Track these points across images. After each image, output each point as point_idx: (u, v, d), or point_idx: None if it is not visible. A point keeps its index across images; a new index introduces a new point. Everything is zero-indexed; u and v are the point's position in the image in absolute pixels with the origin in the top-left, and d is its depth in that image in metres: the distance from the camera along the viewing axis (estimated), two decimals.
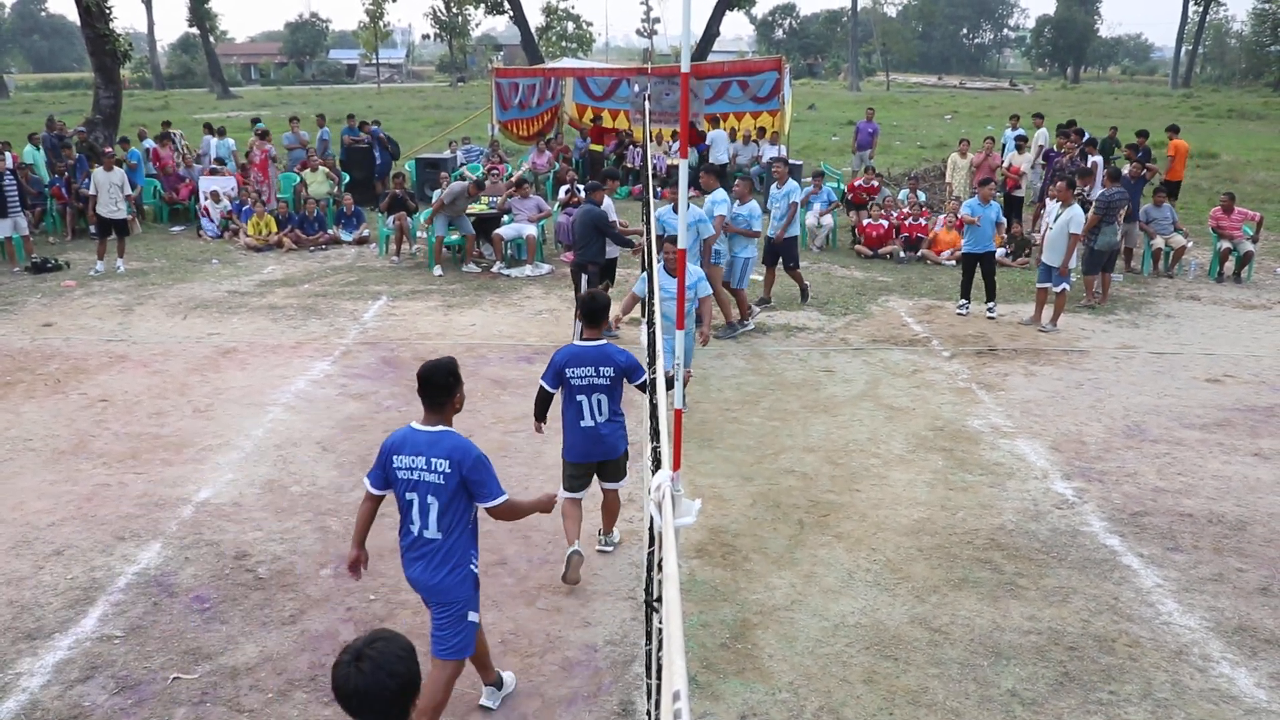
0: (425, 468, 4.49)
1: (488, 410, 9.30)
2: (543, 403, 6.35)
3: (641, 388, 6.10)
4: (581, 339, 6.32)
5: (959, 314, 12.75)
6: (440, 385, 4.55)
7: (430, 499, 4.52)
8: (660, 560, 2.02)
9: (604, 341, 6.23)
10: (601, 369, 6.13)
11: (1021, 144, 18.42)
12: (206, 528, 7.07)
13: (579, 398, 6.19)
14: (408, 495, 4.56)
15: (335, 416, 9.15)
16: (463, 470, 4.47)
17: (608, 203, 11.46)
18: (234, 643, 5.74)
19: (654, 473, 2.64)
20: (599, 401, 6.20)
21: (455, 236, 15.18)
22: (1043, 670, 5.53)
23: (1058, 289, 12.00)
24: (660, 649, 1.92)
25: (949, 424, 9.13)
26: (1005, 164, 18.07)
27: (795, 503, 7.55)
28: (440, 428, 4.55)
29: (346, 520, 7.17)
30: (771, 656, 5.65)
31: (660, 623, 1.72)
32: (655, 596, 1.98)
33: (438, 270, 14.80)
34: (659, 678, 1.83)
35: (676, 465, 2.57)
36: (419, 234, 15.81)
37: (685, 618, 5.84)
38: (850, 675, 5.49)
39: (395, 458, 4.55)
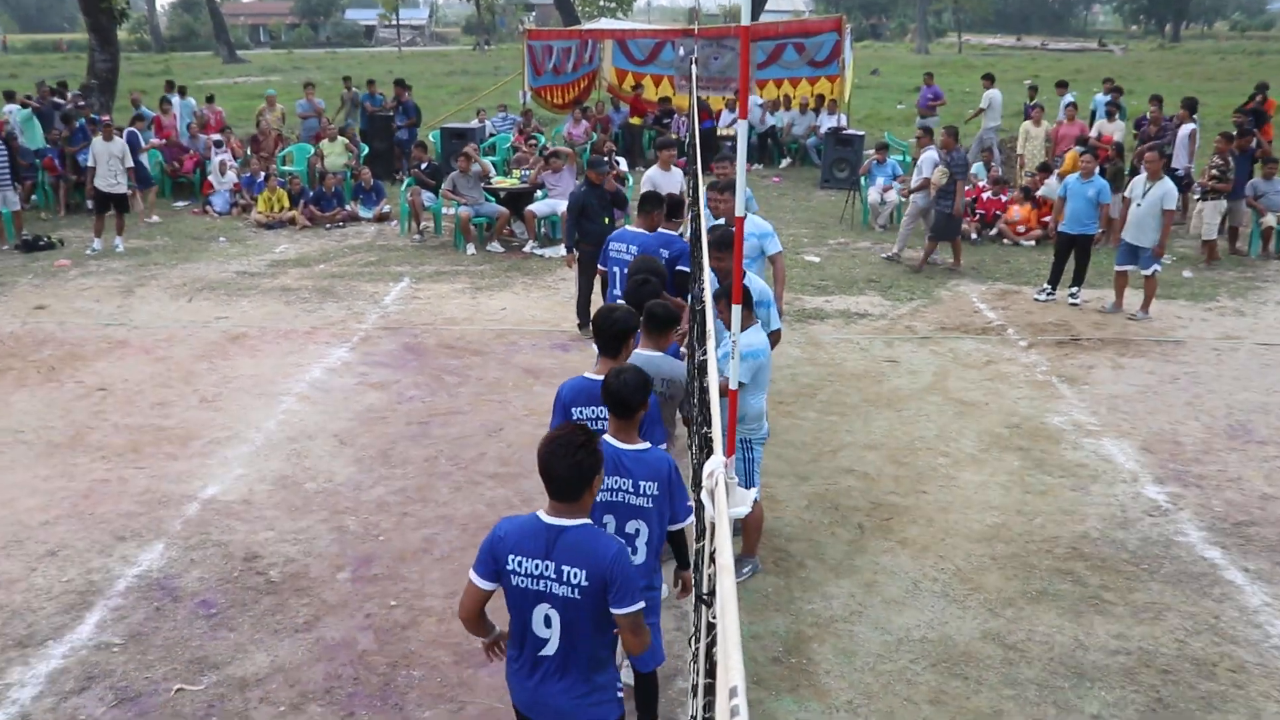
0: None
1: (519, 401, 9.35)
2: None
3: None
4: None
5: (1038, 300, 12.62)
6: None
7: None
8: (713, 552, 2.03)
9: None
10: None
11: (1114, 111, 18.17)
12: (214, 527, 7.18)
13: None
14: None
15: (354, 408, 9.24)
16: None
17: (677, 175, 11.43)
18: (243, 651, 5.83)
19: (706, 459, 2.65)
20: None
21: (480, 217, 15.25)
22: (1132, 695, 5.49)
23: (1147, 272, 11.84)
24: (713, 645, 1.93)
25: (1026, 420, 9.05)
26: (1095, 133, 17.82)
27: (855, 505, 7.54)
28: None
29: (365, 519, 7.26)
30: (828, 672, 5.65)
31: (713, 618, 1.73)
32: (708, 591, 1.99)
33: (470, 249, 14.88)
34: (711, 676, 1.84)
35: (730, 450, 2.57)
36: (444, 210, 15.89)
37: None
38: (915, 695, 5.48)
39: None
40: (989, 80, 21.18)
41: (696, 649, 2.60)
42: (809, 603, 6.31)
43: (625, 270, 7.37)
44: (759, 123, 22.52)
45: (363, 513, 7.37)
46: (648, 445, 4.63)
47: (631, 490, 4.55)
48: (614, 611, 3.77)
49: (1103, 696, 5.47)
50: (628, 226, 8.54)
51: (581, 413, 5.18)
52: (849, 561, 6.78)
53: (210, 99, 22.27)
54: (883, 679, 5.61)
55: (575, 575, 3.77)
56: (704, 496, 2.31)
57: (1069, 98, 19.56)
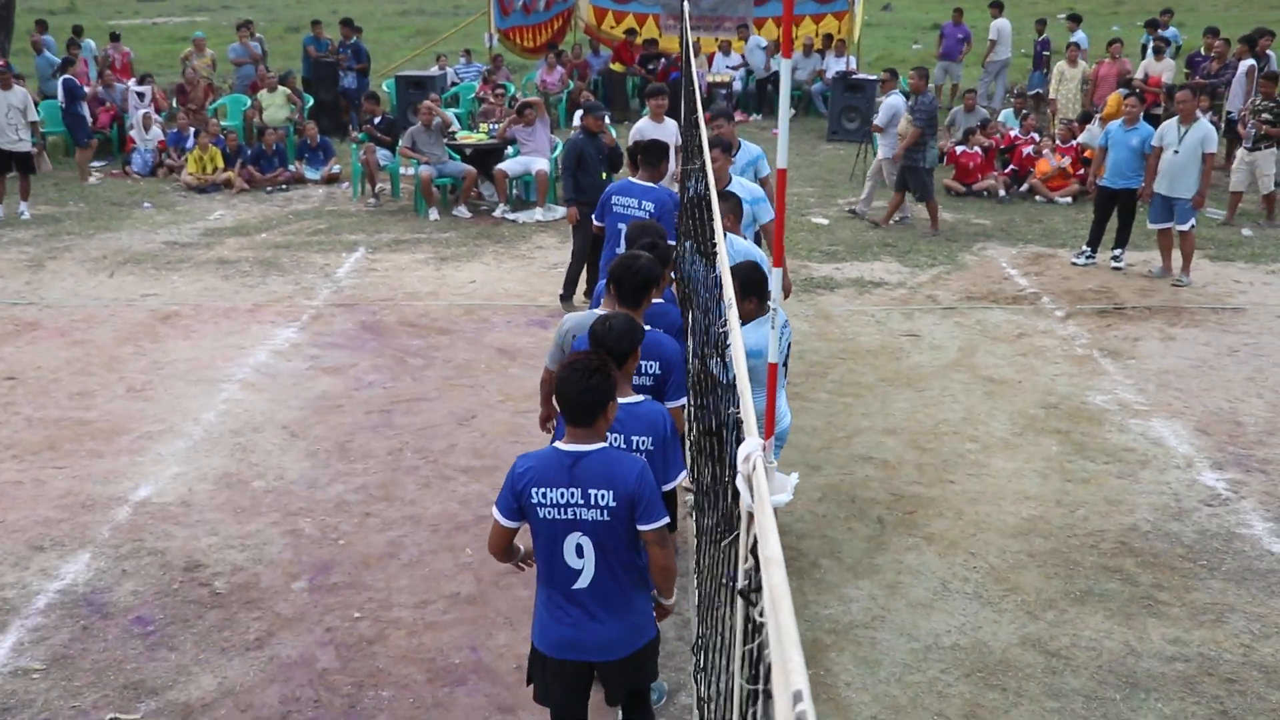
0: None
1: (493, 385, 9.36)
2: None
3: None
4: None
5: (1076, 264, 12.67)
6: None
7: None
8: (754, 543, 2.05)
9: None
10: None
11: (1163, 47, 18.20)
12: (148, 533, 7.15)
13: None
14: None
15: (305, 395, 9.23)
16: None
17: (670, 126, 11.43)
18: (186, 674, 5.82)
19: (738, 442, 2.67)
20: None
21: (444, 178, 15.20)
22: (1193, 707, 5.54)
23: (1184, 227, 11.87)
24: (747, 645, 1.95)
25: (1065, 400, 9.10)
26: (1141, 74, 17.85)
27: (874, 497, 7.58)
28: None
29: (321, 521, 7.26)
30: (849, 684, 5.68)
31: (760, 616, 1.75)
32: (754, 586, 2.01)
33: (433, 214, 14.85)
34: (755, 682, 1.86)
35: (769, 432, 2.59)
36: (403, 170, 15.82)
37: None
38: (947, 708, 5.52)
39: None
40: (997, 9, 21.27)
41: (729, 654, 2.62)
42: (825, 607, 6.34)
43: None
44: (763, 69, 22.47)
45: (319, 514, 7.36)
46: (642, 398, 4.95)
47: (624, 445, 4.76)
48: (641, 528, 4.28)
49: (1159, 709, 5.51)
50: (632, 179, 8.88)
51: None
52: (869, 560, 6.82)
53: (115, 37, 21.96)
54: (910, 691, 5.64)
55: (603, 497, 4.24)
56: (739, 483, 2.32)
57: (1080, 35, 19.63)
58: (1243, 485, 7.72)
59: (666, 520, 4.33)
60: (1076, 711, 5.50)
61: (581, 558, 4.32)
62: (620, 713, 4.96)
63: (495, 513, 4.44)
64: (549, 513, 4.29)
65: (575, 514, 4.27)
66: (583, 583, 4.34)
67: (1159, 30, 19.98)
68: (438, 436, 8.46)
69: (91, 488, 7.74)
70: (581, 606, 4.37)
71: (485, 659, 5.92)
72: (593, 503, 4.25)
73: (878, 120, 14.49)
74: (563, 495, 4.26)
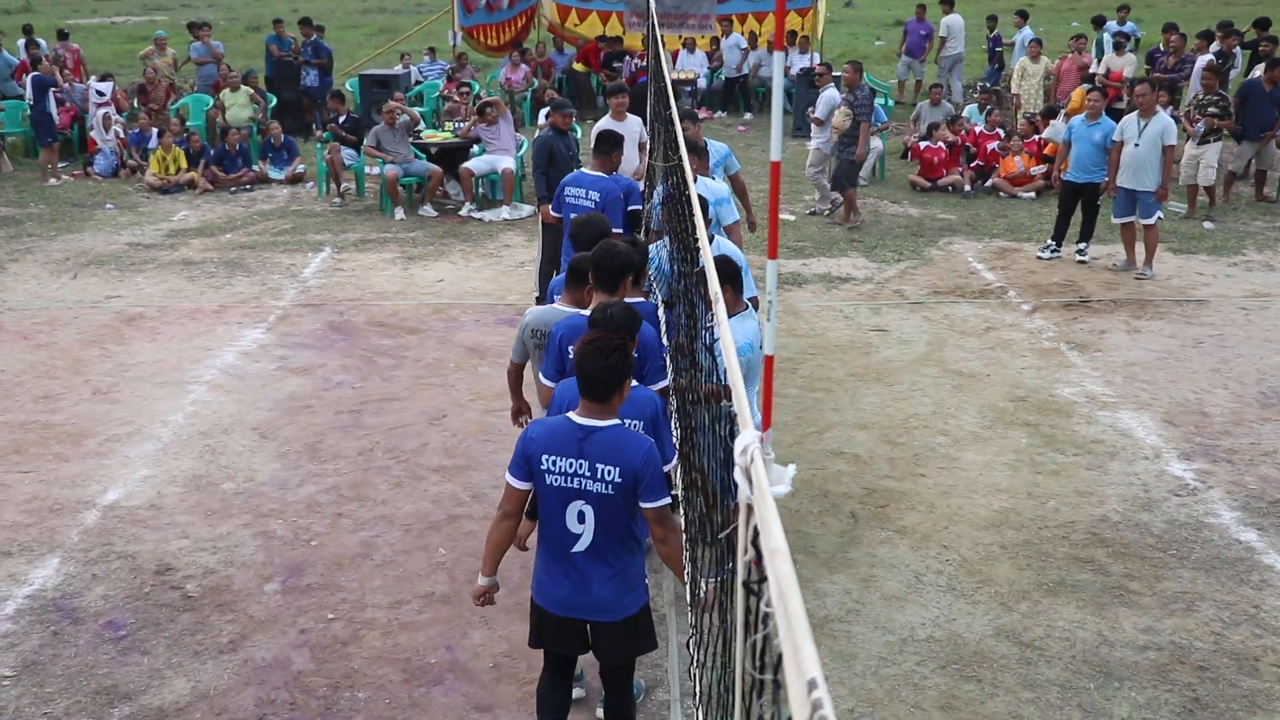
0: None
1: (463, 384, 9.34)
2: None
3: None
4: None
5: (1041, 258, 12.75)
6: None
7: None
8: (754, 535, 2.04)
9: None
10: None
11: (1124, 42, 18.37)
12: (118, 537, 7.10)
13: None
14: None
15: (274, 396, 9.18)
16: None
17: (634, 124, 11.39)
18: (159, 678, 5.79)
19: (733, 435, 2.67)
20: None
21: (410, 177, 15.15)
22: (1166, 695, 5.58)
23: (1150, 220, 11.97)
24: (752, 637, 1.94)
25: (1033, 393, 9.16)
26: (1103, 69, 18.00)
27: (846, 491, 7.60)
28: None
29: (293, 522, 7.22)
30: (825, 678, 5.65)
31: (768, 606, 1.74)
32: (756, 578, 2.00)
33: (399, 213, 14.80)
34: (770, 672, 1.86)
35: (766, 424, 2.59)
36: (368, 170, 15.75)
37: (718, 629, 5.86)
38: (923, 700, 5.54)
39: None
40: (948, 5, 21.42)
41: (727, 648, 2.62)
42: None
43: None
44: (735, 70, 22.43)
45: (290, 515, 7.32)
46: (634, 383, 5.00)
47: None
48: (643, 505, 4.46)
49: (1133, 697, 5.56)
50: (584, 170, 8.97)
51: None
52: (842, 554, 6.84)
53: (63, 35, 21.74)
54: (887, 684, 5.67)
55: (610, 473, 4.41)
56: (738, 475, 2.32)
57: (1027, 30, 19.79)
58: (1210, 475, 7.79)
59: (668, 500, 4.49)
60: (1051, 701, 5.54)
61: (582, 524, 4.50)
62: (600, 709, 4.98)
63: (509, 478, 4.57)
64: (555, 480, 4.46)
65: (580, 484, 4.44)
66: (581, 546, 4.52)
67: (1105, 25, 20.19)
68: (409, 436, 8.43)
69: (59, 491, 7.67)
70: (578, 568, 4.55)
71: (461, 658, 5.91)
72: (599, 477, 4.41)
73: (816, 113, 14.64)
74: (570, 465, 4.43)
